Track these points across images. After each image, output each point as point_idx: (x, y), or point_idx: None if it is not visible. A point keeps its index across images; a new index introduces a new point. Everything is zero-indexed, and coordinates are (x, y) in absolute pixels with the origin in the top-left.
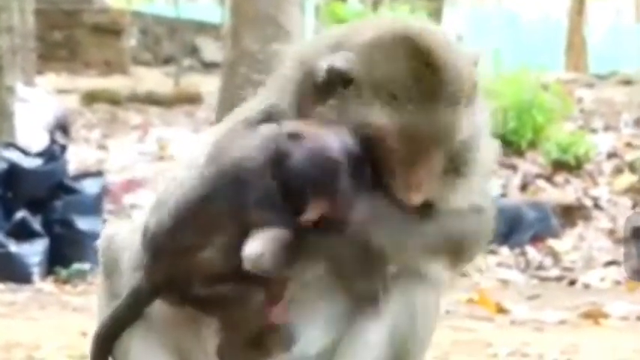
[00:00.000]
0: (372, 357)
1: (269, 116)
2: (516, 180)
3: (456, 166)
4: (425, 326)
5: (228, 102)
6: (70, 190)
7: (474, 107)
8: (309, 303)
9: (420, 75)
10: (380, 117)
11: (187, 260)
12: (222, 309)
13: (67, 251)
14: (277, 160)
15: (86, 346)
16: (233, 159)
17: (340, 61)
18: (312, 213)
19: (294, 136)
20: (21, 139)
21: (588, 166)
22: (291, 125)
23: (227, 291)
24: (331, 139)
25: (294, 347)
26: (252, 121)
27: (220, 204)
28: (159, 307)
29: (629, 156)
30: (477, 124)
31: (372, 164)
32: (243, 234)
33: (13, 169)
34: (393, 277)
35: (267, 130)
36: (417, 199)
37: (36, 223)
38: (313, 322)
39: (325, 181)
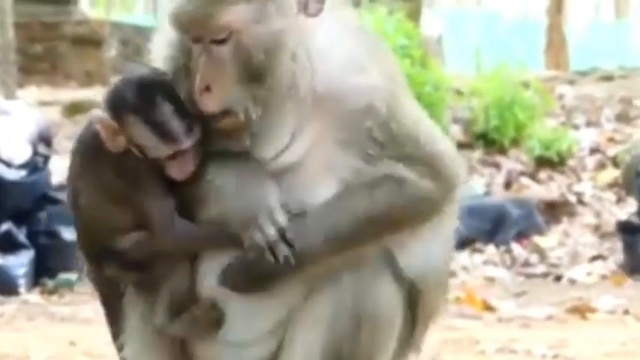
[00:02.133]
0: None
1: None
2: (500, 178)
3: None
4: (373, 331)
5: None
6: (54, 201)
7: (272, 5)
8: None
9: None
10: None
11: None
12: (144, 271)
13: (52, 262)
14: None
15: (74, 356)
16: None
17: None
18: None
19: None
20: (3, 152)
21: (571, 162)
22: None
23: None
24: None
25: (229, 329)
26: None
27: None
28: None
29: (612, 151)
30: (285, 37)
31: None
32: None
33: None
34: (348, 270)
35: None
36: (208, 103)
37: (21, 235)
38: (253, 307)
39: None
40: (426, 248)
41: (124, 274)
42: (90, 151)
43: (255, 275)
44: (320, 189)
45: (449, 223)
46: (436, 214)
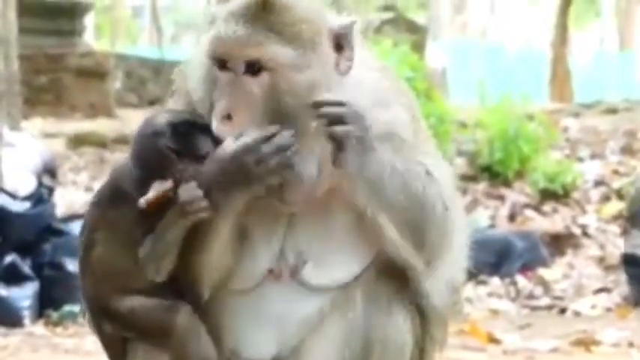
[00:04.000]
0: None
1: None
2: (505, 210)
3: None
4: (384, 355)
5: None
6: (59, 233)
7: (313, 57)
8: None
9: None
10: (211, 34)
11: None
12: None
13: (57, 293)
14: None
15: None
16: None
17: None
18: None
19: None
20: (8, 184)
21: (576, 195)
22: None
23: (146, 306)
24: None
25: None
26: None
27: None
28: None
29: (616, 183)
30: (326, 79)
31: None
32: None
33: (1, 213)
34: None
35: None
36: (226, 130)
37: (25, 267)
38: None
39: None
40: (438, 272)
41: (120, 332)
42: (111, 201)
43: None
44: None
45: (461, 249)
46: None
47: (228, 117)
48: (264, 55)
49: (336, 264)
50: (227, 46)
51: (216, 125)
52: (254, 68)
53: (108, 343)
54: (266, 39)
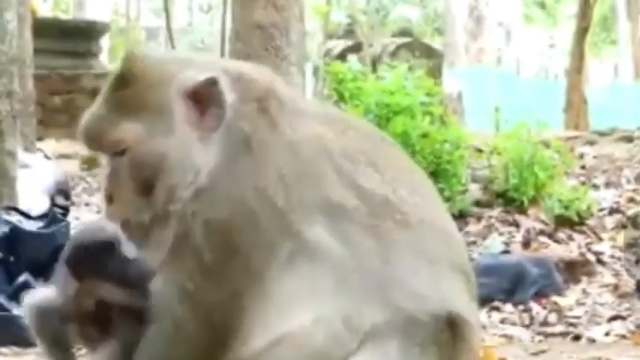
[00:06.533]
0: None
1: None
2: (519, 236)
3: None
4: None
5: None
6: None
7: (161, 124)
8: None
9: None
10: None
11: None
12: None
13: None
14: None
15: None
16: None
17: None
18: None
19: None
20: (22, 203)
21: (591, 222)
22: None
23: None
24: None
25: None
26: None
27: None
28: None
29: (632, 211)
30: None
31: None
32: None
33: (15, 233)
34: None
35: None
36: (110, 213)
37: (38, 286)
38: None
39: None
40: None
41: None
42: None
43: None
44: None
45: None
46: None
47: (109, 199)
48: (111, 138)
49: None
50: (84, 141)
51: (103, 209)
52: (117, 149)
53: None
54: (109, 124)
